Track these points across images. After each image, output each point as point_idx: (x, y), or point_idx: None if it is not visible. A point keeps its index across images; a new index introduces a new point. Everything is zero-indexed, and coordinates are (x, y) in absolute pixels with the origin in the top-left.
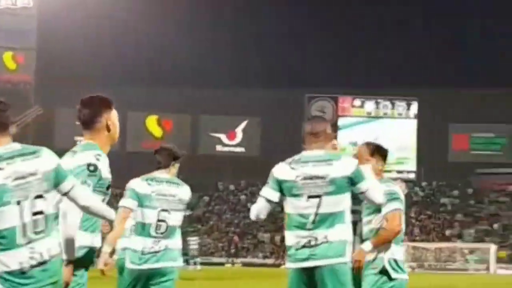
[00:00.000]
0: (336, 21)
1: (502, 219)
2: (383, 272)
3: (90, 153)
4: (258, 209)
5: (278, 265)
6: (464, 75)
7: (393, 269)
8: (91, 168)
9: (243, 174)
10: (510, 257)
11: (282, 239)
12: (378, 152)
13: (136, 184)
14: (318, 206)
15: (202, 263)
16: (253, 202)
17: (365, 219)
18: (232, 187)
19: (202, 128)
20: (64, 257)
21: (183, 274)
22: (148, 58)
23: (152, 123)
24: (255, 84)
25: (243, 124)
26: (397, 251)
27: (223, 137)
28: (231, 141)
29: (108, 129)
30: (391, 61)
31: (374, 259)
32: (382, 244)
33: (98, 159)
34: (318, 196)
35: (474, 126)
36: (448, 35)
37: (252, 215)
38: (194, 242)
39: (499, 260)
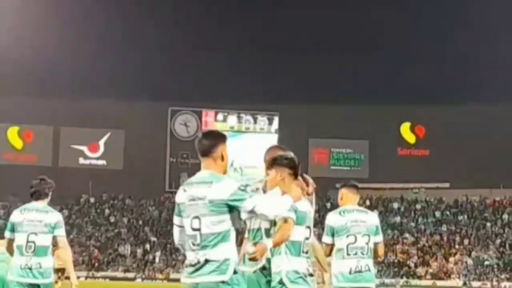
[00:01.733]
0: (199, 35)
1: None
2: (281, 283)
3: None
4: None
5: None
6: (324, 92)
7: (291, 281)
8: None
9: (105, 187)
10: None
11: (144, 253)
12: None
13: None
14: None
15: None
16: (115, 216)
17: None
18: (93, 200)
19: (63, 140)
20: None
21: None
22: (9, 68)
23: (13, 135)
24: (118, 96)
25: (105, 137)
26: (298, 262)
27: (85, 149)
28: (94, 153)
29: (222, 159)
30: (254, 75)
31: (276, 272)
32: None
33: None
34: None
35: (334, 141)
36: (308, 50)
37: None
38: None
39: None
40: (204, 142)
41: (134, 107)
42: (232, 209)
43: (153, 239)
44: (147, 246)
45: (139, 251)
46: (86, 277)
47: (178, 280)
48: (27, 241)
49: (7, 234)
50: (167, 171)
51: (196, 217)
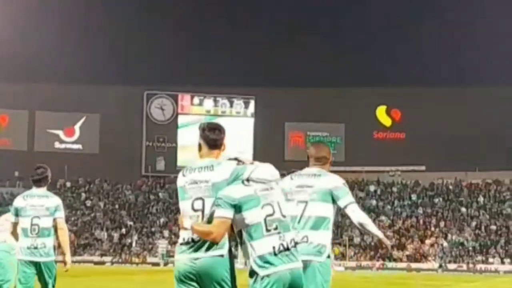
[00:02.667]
0: (175, 19)
1: (336, 216)
2: (252, 274)
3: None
4: None
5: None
6: (300, 75)
7: (260, 266)
8: None
9: (81, 171)
10: (342, 254)
11: (120, 237)
12: None
13: None
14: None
15: None
16: (91, 200)
17: None
18: (69, 184)
19: (39, 124)
20: None
21: None
22: None
23: None
24: (94, 80)
25: (81, 121)
26: (260, 245)
27: (60, 133)
28: (69, 137)
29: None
30: (229, 59)
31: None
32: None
33: None
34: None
35: (310, 125)
36: (284, 34)
37: None
38: None
39: (333, 256)
40: (215, 135)
41: (109, 91)
42: None
43: (129, 223)
44: (124, 230)
45: (116, 235)
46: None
47: (156, 264)
48: (31, 224)
49: (12, 218)
50: (143, 155)
51: (200, 198)
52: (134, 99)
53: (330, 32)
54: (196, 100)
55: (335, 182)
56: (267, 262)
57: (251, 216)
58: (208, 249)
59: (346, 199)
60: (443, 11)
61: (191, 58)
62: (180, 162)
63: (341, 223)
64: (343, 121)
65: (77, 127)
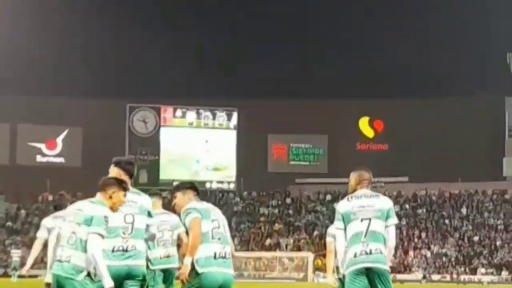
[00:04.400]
0: (157, 31)
1: (320, 228)
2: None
3: None
4: None
5: None
6: (283, 87)
7: (200, 266)
8: None
9: (63, 185)
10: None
11: None
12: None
13: None
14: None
15: (19, 276)
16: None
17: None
18: (51, 198)
19: (21, 137)
20: None
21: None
22: None
23: None
24: (76, 92)
25: (63, 134)
26: (203, 249)
27: (42, 146)
28: (51, 151)
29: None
30: (212, 71)
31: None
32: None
33: None
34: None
35: (293, 137)
36: (267, 46)
37: None
38: (16, 254)
39: (316, 268)
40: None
41: (91, 103)
42: None
43: None
44: None
45: None
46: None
47: None
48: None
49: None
50: None
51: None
52: (116, 112)
53: (313, 44)
54: (178, 112)
55: (390, 203)
56: None
57: None
58: None
59: (394, 219)
60: (426, 23)
61: (173, 71)
62: (162, 175)
63: (324, 235)
64: (326, 133)
65: (59, 140)
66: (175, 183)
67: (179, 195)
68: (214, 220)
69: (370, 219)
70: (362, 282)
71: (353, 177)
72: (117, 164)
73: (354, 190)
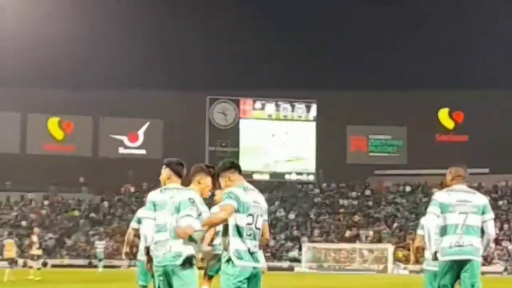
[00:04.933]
0: (236, 24)
1: (399, 219)
2: (229, 260)
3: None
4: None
5: None
6: (362, 78)
7: (237, 258)
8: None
9: (145, 176)
10: (407, 257)
11: None
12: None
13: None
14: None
15: (105, 266)
16: None
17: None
18: (133, 189)
19: (103, 130)
20: None
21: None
22: (49, 59)
23: (53, 125)
24: (157, 85)
25: (144, 126)
26: (237, 242)
27: (124, 139)
28: (133, 143)
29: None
30: (291, 63)
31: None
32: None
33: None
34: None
35: (372, 128)
36: (347, 38)
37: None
38: (100, 245)
39: (396, 260)
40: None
41: (172, 96)
42: None
43: None
44: None
45: None
46: (129, 266)
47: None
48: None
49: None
50: (207, 160)
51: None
52: (196, 104)
53: (392, 34)
54: (258, 104)
55: (485, 200)
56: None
57: None
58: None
59: (491, 214)
60: (507, 11)
61: (252, 63)
62: (242, 166)
63: (404, 227)
64: (405, 124)
65: (140, 132)
66: (254, 176)
67: (223, 177)
68: (249, 215)
69: (467, 213)
70: (453, 271)
71: (449, 172)
72: (168, 165)
73: (448, 185)
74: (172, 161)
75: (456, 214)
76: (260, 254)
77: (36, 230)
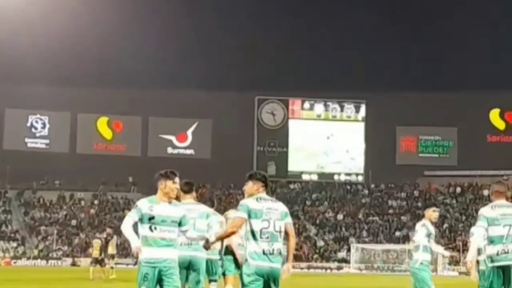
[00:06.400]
0: (284, 24)
1: (449, 220)
2: (246, 261)
3: None
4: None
5: None
6: (412, 79)
7: (252, 258)
8: None
9: (193, 176)
10: (456, 259)
11: None
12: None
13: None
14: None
15: None
16: (205, 203)
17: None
18: None
19: (152, 130)
20: None
21: None
22: (98, 59)
23: (102, 125)
24: (206, 86)
25: (193, 126)
26: (254, 245)
27: (173, 139)
28: (182, 143)
29: None
30: (340, 63)
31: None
32: (220, 238)
33: None
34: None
35: (422, 129)
36: (396, 39)
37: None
38: None
39: (446, 261)
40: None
41: (221, 96)
42: None
43: None
44: None
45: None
46: None
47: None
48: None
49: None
50: (255, 160)
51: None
52: (245, 104)
53: (441, 36)
54: (306, 104)
55: None
56: None
57: None
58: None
59: None
60: None
61: (301, 63)
62: (291, 166)
63: (454, 228)
64: (456, 125)
65: (189, 132)
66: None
67: (250, 183)
68: (264, 220)
69: (510, 225)
70: (499, 275)
71: (491, 187)
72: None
73: (491, 200)
74: (181, 182)
75: (501, 227)
76: (278, 256)
77: (108, 230)
